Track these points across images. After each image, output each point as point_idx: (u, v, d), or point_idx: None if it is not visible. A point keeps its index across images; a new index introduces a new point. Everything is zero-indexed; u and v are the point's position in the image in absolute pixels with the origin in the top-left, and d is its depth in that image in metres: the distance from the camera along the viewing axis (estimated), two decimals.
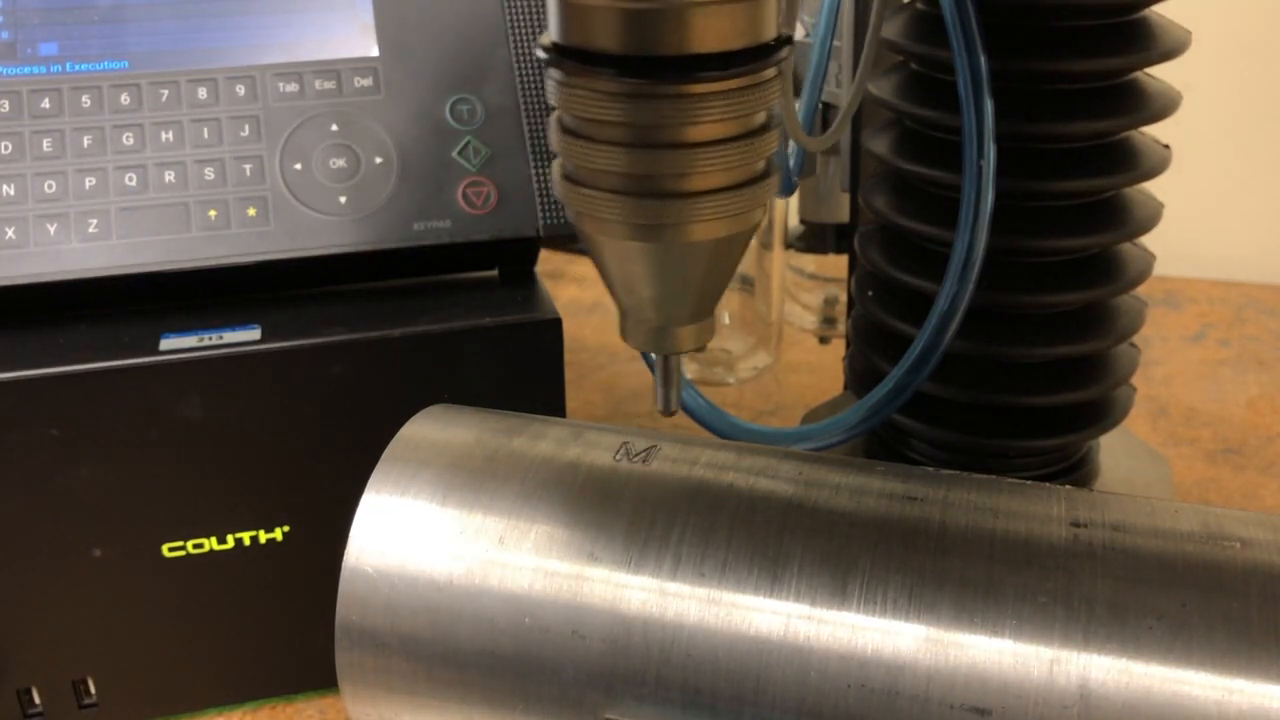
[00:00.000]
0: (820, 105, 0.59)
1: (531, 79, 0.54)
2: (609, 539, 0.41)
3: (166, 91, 0.51)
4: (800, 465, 0.43)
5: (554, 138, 0.42)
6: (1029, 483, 0.42)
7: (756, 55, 0.39)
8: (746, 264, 0.79)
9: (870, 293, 0.58)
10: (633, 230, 0.41)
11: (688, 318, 0.44)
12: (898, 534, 0.39)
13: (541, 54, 0.41)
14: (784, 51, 0.40)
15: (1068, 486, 0.42)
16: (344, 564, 0.42)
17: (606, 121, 0.39)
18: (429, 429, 0.46)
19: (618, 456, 0.44)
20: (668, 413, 0.46)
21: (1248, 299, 0.94)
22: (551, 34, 0.40)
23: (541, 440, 0.45)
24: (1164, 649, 0.35)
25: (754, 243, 0.77)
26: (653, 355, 0.46)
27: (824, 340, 0.85)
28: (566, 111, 0.40)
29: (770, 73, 0.40)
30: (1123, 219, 0.53)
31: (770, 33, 0.40)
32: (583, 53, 0.39)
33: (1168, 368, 0.83)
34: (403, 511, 0.43)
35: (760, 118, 0.41)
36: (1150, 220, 0.53)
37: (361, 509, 0.43)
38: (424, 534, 0.42)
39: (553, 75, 0.41)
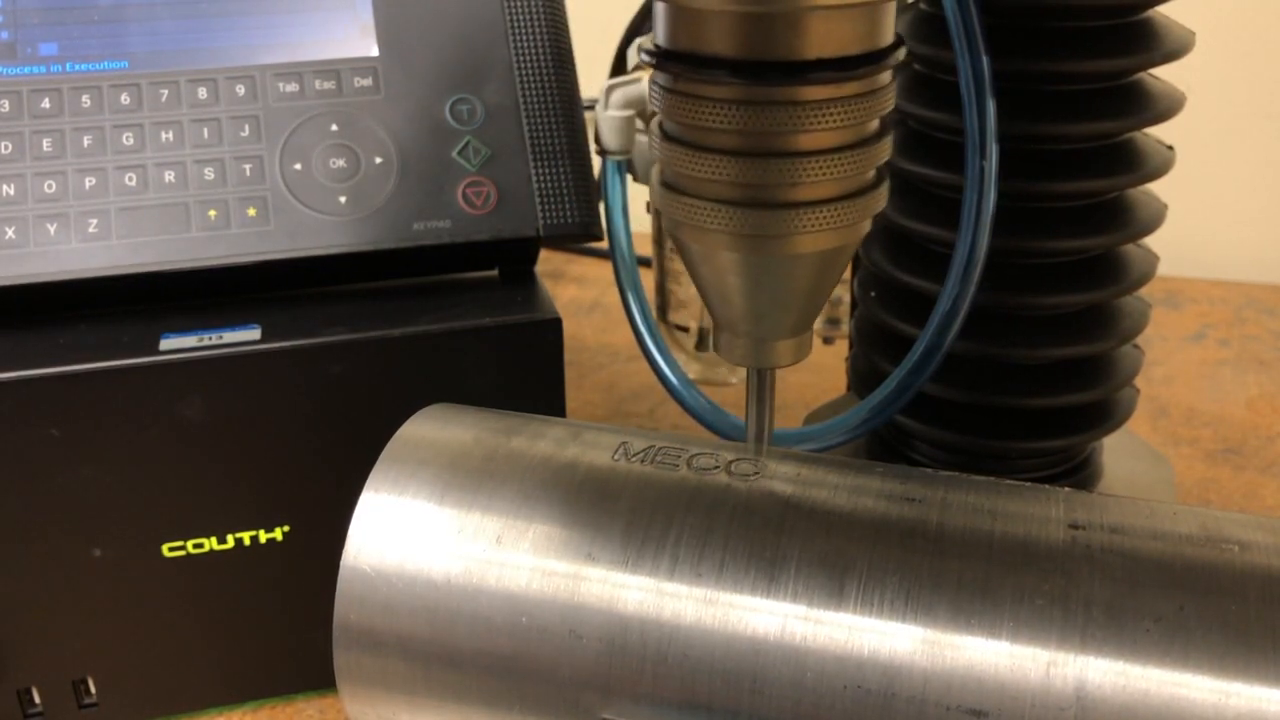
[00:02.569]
0: None
1: (531, 79, 0.54)
2: (606, 539, 0.41)
3: (166, 91, 0.51)
4: (798, 466, 0.43)
5: (653, 144, 0.41)
6: (1027, 484, 0.42)
7: (874, 60, 0.38)
8: None
9: (873, 293, 0.58)
10: (737, 241, 0.39)
11: (787, 331, 0.43)
12: (895, 535, 0.39)
13: (646, 58, 0.39)
14: (900, 54, 0.39)
15: (1066, 488, 0.42)
16: (342, 563, 0.42)
17: (715, 128, 0.38)
18: (428, 428, 0.46)
19: (616, 456, 0.44)
20: (759, 442, 0.44)
21: (1248, 299, 0.94)
22: (658, 38, 0.39)
23: (540, 440, 0.45)
24: (1161, 651, 0.35)
25: None
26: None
27: (828, 341, 0.84)
28: (671, 118, 0.39)
29: (886, 78, 0.39)
30: (1126, 220, 0.53)
31: (888, 37, 0.39)
32: (693, 57, 0.38)
33: (1168, 368, 0.83)
34: (401, 510, 0.43)
35: (873, 125, 0.40)
36: (1154, 221, 0.53)
37: (360, 508, 0.43)
38: (422, 533, 0.42)
39: (657, 80, 0.39)
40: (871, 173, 0.40)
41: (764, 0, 0.36)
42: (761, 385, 0.44)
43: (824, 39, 0.37)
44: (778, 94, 0.37)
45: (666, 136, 0.40)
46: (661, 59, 0.39)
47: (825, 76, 0.37)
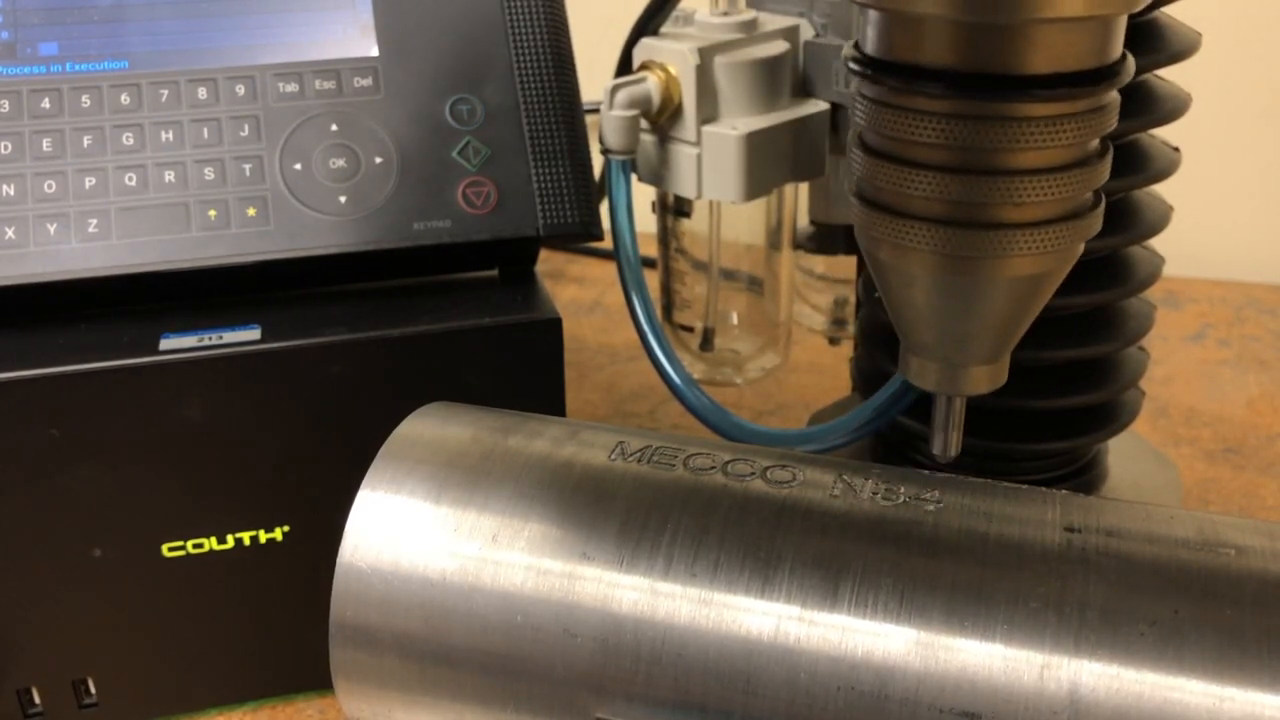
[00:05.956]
0: (830, 106, 0.59)
1: (531, 79, 0.54)
2: (601, 538, 0.41)
3: (166, 91, 0.51)
4: (795, 467, 0.43)
5: (854, 158, 0.39)
6: (1024, 487, 0.42)
7: (1106, 75, 0.36)
8: (755, 265, 0.79)
9: (877, 294, 0.58)
10: (945, 261, 0.37)
11: (985, 358, 0.41)
12: (890, 536, 0.39)
13: (854, 69, 0.37)
14: (1130, 69, 0.37)
15: (1063, 491, 0.42)
16: (338, 560, 0.42)
17: (931, 144, 0.36)
18: (426, 426, 0.46)
19: (613, 456, 0.44)
20: (947, 458, 0.43)
21: (1248, 299, 0.94)
22: (868, 47, 0.37)
23: (537, 439, 0.45)
24: (1155, 655, 0.35)
25: (762, 243, 0.77)
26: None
27: (834, 341, 0.84)
28: (879, 131, 0.37)
29: (1112, 95, 0.37)
30: (1132, 221, 0.52)
31: (1118, 51, 0.37)
32: (911, 68, 0.36)
33: (1168, 368, 0.83)
34: (397, 508, 0.43)
35: (1095, 144, 0.38)
36: (1159, 223, 0.53)
37: (356, 506, 0.43)
38: (418, 531, 0.42)
39: (865, 93, 0.37)
40: (1090, 194, 0.38)
41: (1001, 10, 0.34)
42: (949, 412, 0.42)
43: (1058, 52, 0.35)
44: (1005, 109, 0.35)
45: (869, 150, 0.38)
46: (875, 69, 0.37)
47: (1059, 93, 0.35)
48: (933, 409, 0.42)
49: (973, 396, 0.54)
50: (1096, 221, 0.39)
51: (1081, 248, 0.39)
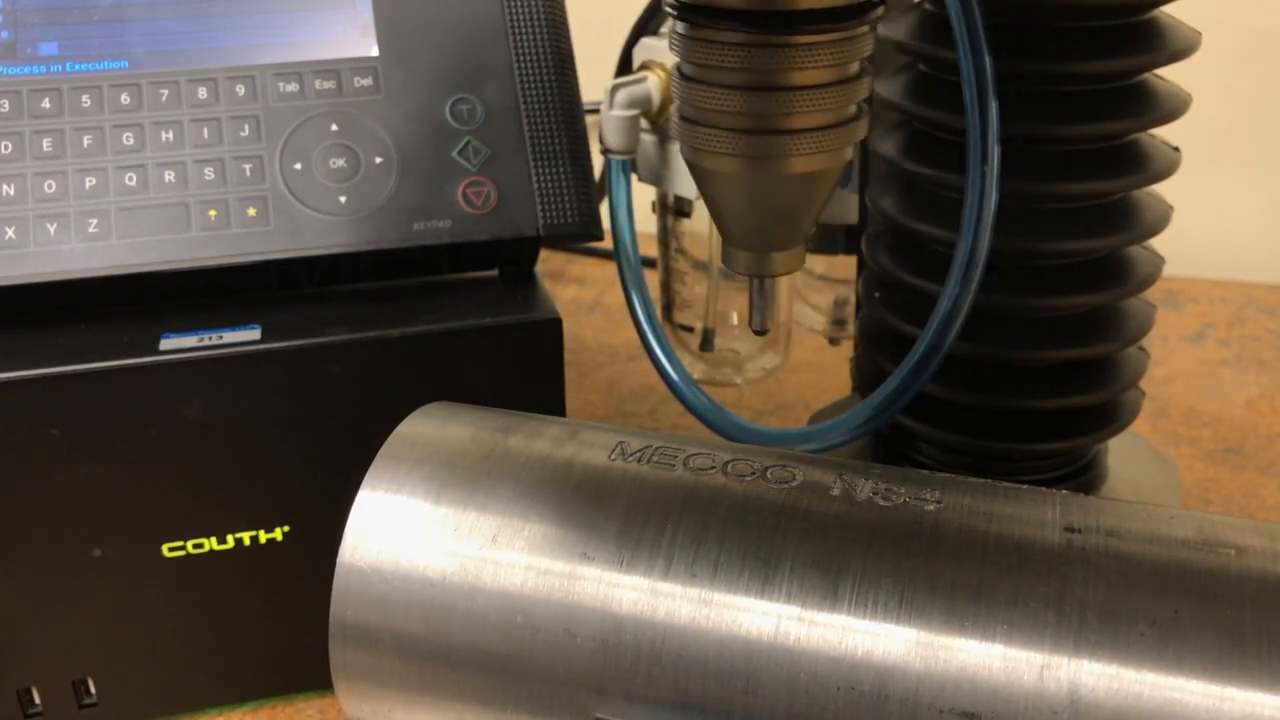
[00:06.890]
0: None
1: (531, 79, 0.54)
2: (601, 538, 0.41)
3: (166, 91, 0.51)
4: (795, 467, 0.43)
5: (675, 85, 0.48)
6: (1024, 487, 0.42)
7: (858, 12, 0.45)
8: None
9: (877, 294, 0.58)
10: (744, 163, 0.47)
11: (782, 244, 0.50)
12: (890, 537, 0.39)
13: (670, 12, 0.47)
14: (880, 10, 0.46)
15: (1063, 491, 0.42)
16: (338, 560, 0.42)
17: (727, 68, 0.45)
18: (426, 426, 0.46)
19: (613, 456, 0.44)
20: (762, 330, 0.55)
21: (1248, 299, 0.94)
22: None
23: (537, 439, 0.45)
24: (1155, 655, 0.35)
25: None
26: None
27: (834, 341, 0.84)
28: (690, 60, 0.47)
29: (865, 28, 0.46)
30: (1132, 221, 0.52)
31: None
32: (709, 9, 0.45)
33: (1168, 368, 0.83)
34: (397, 508, 0.43)
35: (855, 67, 0.47)
36: (1159, 223, 0.53)
37: (356, 506, 0.43)
38: (418, 531, 0.42)
39: (678, 30, 0.47)
40: (853, 107, 0.48)
41: None
42: (762, 291, 0.53)
43: None
44: (778, 39, 0.44)
45: (685, 76, 0.47)
46: (683, 11, 0.46)
47: (818, 27, 0.44)
48: (750, 291, 0.53)
49: (968, 394, 0.54)
50: (860, 129, 0.48)
51: (851, 151, 0.49)
